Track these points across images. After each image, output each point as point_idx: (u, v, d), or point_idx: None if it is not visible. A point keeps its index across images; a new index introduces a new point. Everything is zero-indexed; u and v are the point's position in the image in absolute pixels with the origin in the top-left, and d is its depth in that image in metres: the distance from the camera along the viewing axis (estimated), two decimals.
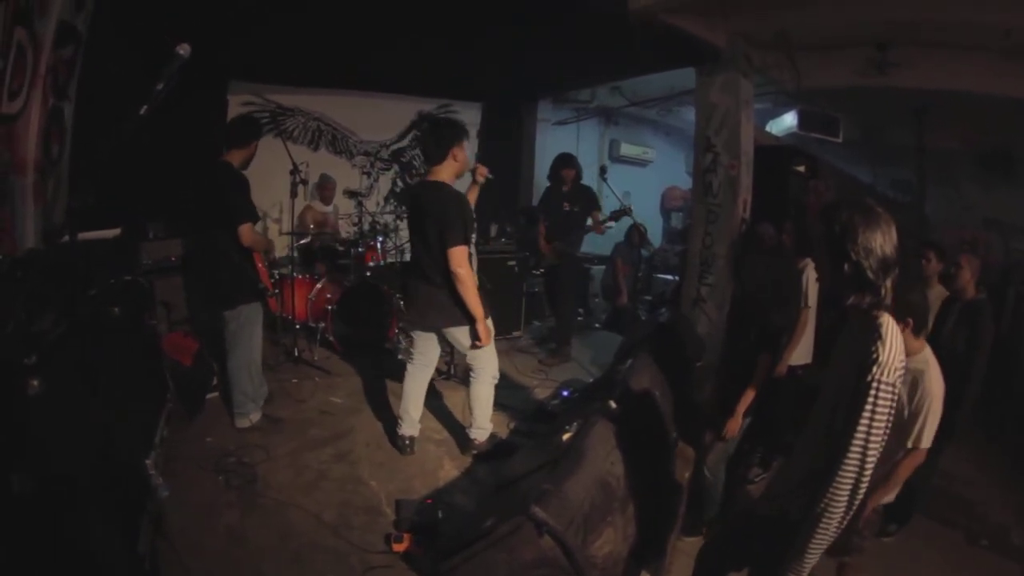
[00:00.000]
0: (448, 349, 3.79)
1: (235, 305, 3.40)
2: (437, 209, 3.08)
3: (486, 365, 3.37)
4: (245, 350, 3.49)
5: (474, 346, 3.25)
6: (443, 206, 3.07)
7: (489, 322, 3.27)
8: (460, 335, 3.24)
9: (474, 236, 3.29)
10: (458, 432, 3.74)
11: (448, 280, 3.08)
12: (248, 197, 3.32)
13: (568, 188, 5.38)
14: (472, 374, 3.41)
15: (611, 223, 5.55)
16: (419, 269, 3.26)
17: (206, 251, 3.42)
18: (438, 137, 3.19)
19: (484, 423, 3.47)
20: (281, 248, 5.73)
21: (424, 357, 3.46)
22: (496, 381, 3.46)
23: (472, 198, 3.44)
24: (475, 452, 3.49)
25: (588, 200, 5.43)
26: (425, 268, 3.20)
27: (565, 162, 5.38)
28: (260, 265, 3.50)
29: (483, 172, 3.45)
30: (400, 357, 5.04)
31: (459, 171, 3.24)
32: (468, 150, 3.29)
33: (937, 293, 3.30)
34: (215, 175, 3.30)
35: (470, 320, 3.16)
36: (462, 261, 3.04)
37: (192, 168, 3.42)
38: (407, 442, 3.49)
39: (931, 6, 3.87)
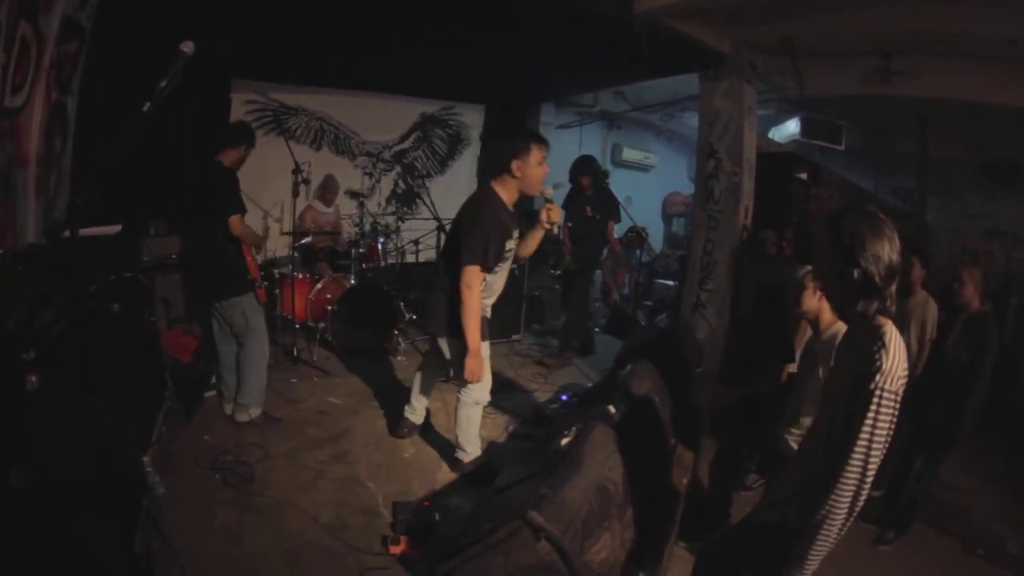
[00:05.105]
0: None
1: (228, 296, 3.44)
2: (464, 218, 2.97)
3: (473, 385, 3.10)
4: (260, 339, 3.55)
5: (459, 366, 3.02)
6: (466, 217, 2.94)
7: (486, 349, 3.09)
8: (443, 345, 3.12)
9: (504, 263, 3.04)
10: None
11: (451, 290, 2.92)
12: (236, 191, 3.39)
13: (588, 193, 5.24)
14: (458, 393, 3.20)
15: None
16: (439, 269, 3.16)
17: (201, 246, 3.48)
18: (496, 147, 3.04)
19: (467, 446, 3.27)
20: (282, 247, 5.73)
21: (438, 357, 3.29)
22: (481, 406, 3.22)
23: (532, 242, 3.14)
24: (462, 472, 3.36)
25: (609, 208, 5.29)
26: (439, 270, 3.10)
27: (578, 168, 5.25)
28: (249, 258, 3.55)
29: (553, 212, 2.96)
30: (400, 358, 5.06)
31: (520, 188, 2.96)
32: (529, 160, 2.89)
33: (920, 299, 3.28)
34: (209, 173, 3.41)
35: (454, 334, 2.98)
36: (470, 283, 2.82)
37: (190, 166, 3.50)
38: (406, 424, 3.54)
39: (935, 16, 3.87)
